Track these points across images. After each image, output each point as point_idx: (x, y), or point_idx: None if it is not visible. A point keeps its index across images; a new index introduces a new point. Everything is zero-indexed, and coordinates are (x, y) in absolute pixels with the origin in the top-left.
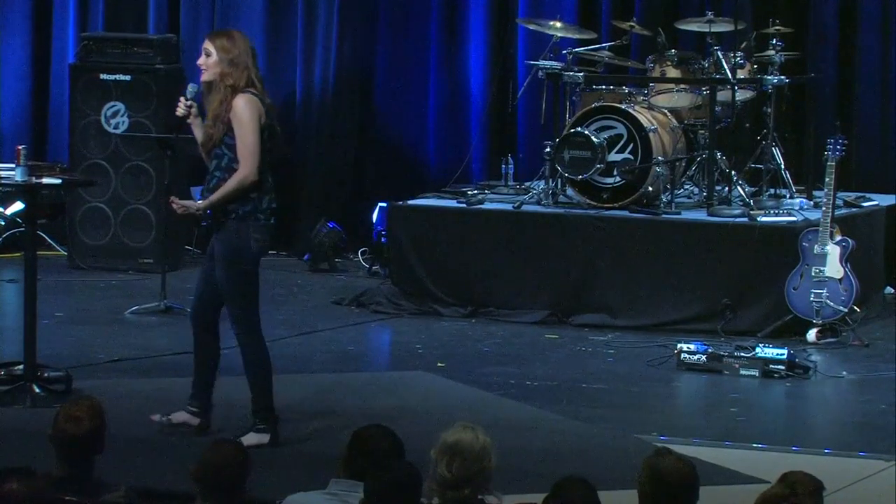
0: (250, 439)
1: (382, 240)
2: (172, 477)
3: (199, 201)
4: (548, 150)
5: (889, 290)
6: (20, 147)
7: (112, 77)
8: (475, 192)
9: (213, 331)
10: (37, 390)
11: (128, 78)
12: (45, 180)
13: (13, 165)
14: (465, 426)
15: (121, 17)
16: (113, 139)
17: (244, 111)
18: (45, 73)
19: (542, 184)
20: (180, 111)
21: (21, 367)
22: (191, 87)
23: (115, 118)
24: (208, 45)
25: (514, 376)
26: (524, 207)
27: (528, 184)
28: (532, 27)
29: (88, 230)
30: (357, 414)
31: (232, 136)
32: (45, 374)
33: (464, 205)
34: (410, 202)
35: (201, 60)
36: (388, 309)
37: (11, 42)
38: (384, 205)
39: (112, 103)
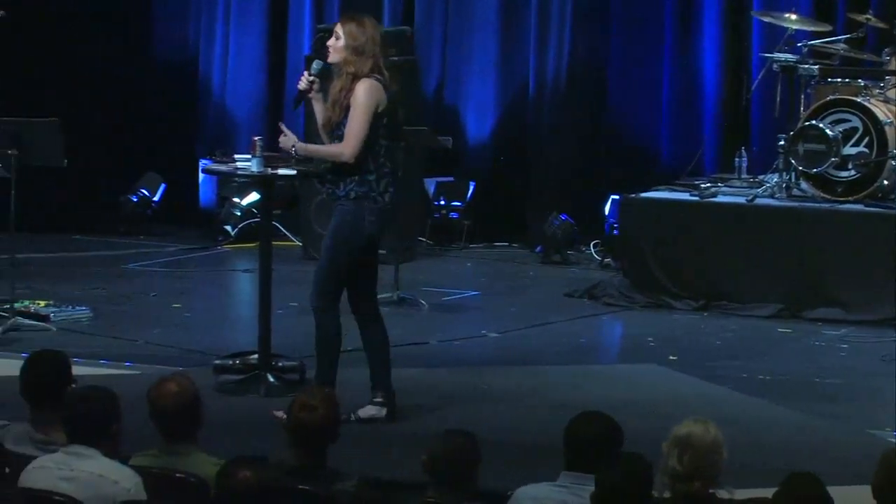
0: (367, 411)
1: (614, 232)
2: (405, 467)
3: (298, 142)
4: (782, 143)
5: None
6: (256, 138)
7: None
8: (708, 184)
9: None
10: (271, 380)
11: None
12: (281, 171)
13: (249, 156)
14: (696, 420)
15: (355, 10)
16: None
17: (362, 96)
18: (282, 65)
19: (775, 177)
20: (302, 85)
21: (256, 356)
22: (316, 64)
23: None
24: (339, 29)
25: (745, 370)
26: (757, 201)
27: (761, 177)
28: (767, 20)
29: (323, 221)
30: (588, 406)
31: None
32: (280, 364)
33: (697, 198)
34: (643, 195)
35: (331, 42)
36: (619, 301)
37: (249, 35)
38: (616, 197)
39: None
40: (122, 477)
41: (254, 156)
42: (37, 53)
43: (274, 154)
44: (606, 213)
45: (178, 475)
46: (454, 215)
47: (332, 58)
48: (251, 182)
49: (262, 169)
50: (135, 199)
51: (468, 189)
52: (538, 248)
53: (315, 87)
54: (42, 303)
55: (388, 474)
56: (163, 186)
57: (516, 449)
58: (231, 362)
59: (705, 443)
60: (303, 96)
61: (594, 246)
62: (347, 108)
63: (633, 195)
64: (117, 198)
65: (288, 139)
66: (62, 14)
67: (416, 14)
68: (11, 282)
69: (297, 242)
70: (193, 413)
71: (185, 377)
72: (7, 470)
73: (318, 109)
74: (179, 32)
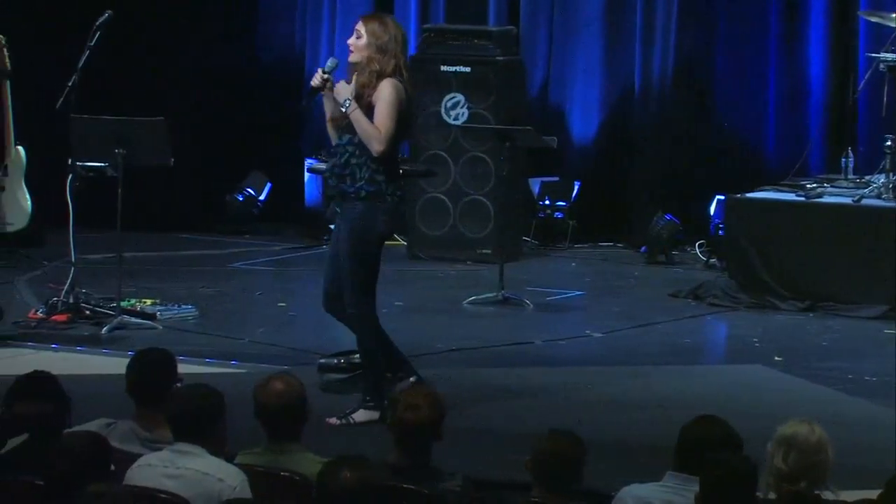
0: (359, 416)
1: (719, 232)
2: (509, 466)
3: (353, 101)
4: (889, 143)
5: None
6: None
7: (452, 69)
8: (814, 185)
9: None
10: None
11: (468, 69)
12: None
13: None
14: (801, 420)
15: (461, 9)
16: (453, 130)
17: (390, 94)
18: None
19: (882, 177)
20: (316, 82)
21: (358, 355)
22: (330, 61)
23: (455, 109)
24: (360, 28)
25: (851, 371)
26: (864, 201)
27: (868, 177)
28: (874, 20)
29: (428, 220)
30: (693, 407)
31: (371, 118)
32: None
33: (802, 198)
34: (748, 195)
35: (351, 41)
36: (724, 302)
37: (351, 33)
38: (721, 197)
39: (452, 94)
40: (227, 475)
41: None
42: (143, 53)
43: None
44: (712, 213)
45: (282, 473)
46: (559, 215)
47: (354, 56)
48: None
49: None
50: (240, 199)
51: (573, 189)
52: (643, 249)
53: (329, 84)
54: (148, 301)
55: (490, 474)
56: (268, 185)
57: (620, 449)
58: (336, 361)
59: (810, 443)
60: (315, 93)
61: (699, 246)
62: (369, 107)
63: (739, 195)
64: (223, 197)
65: (345, 90)
66: (168, 13)
67: (522, 14)
68: (118, 280)
69: (402, 242)
70: (299, 412)
71: (292, 376)
72: (113, 467)
73: (329, 106)
74: (285, 31)
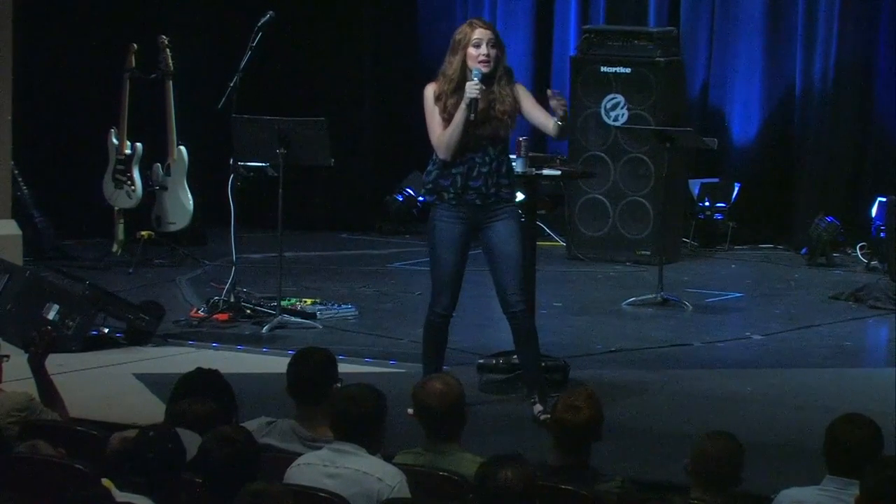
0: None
1: (881, 234)
2: (668, 467)
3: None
4: None
5: None
6: (522, 139)
7: (612, 70)
8: None
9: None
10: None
11: (628, 70)
12: (545, 171)
13: (514, 157)
14: None
15: (621, 10)
16: (612, 131)
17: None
18: (546, 65)
19: None
20: (477, 93)
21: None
22: (476, 72)
23: (615, 110)
24: (492, 36)
25: None
26: None
27: None
28: None
29: (587, 221)
30: (851, 410)
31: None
32: (543, 364)
33: None
34: None
35: (485, 51)
36: (886, 304)
37: (515, 33)
38: (883, 199)
39: (612, 95)
40: (386, 474)
41: (518, 156)
42: (304, 53)
43: (538, 154)
44: (873, 214)
45: (441, 473)
46: (719, 216)
47: (491, 66)
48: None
49: (525, 169)
50: (400, 199)
51: (733, 190)
52: (803, 250)
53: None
54: (309, 301)
55: (649, 475)
56: None
57: (779, 452)
58: (495, 361)
59: None
60: (477, 103)
61: (860, 248)
62: (513, 105)
63: None
64: (383, 197)
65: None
66: (329, 13)
67: (682, 15)
68: (278, 280)
69: (562, 243)
70: (458, 412)
71: (451, 376)
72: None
73: (461, 118)
74: (445, 30)
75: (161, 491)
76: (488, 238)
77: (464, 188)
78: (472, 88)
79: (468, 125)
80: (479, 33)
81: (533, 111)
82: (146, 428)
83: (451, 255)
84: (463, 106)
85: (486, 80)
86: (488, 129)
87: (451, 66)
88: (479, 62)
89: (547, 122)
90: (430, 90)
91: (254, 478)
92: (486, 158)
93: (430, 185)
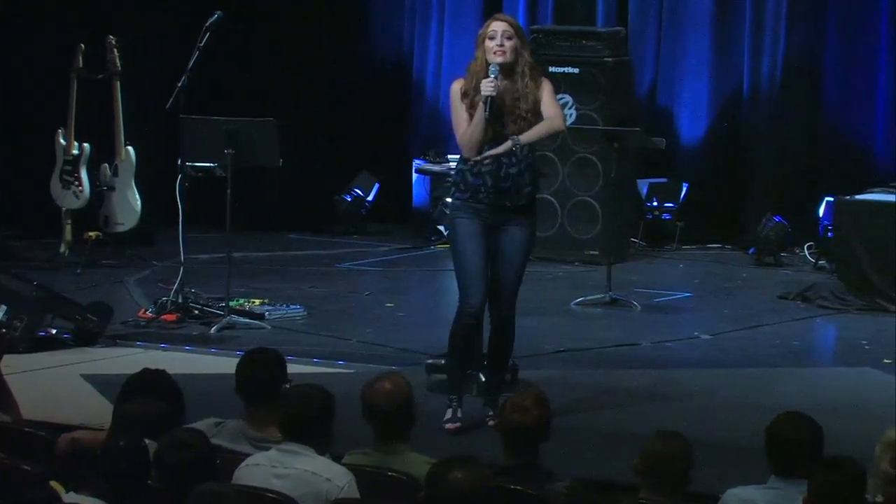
0: None
1: (829, 234)
2: (617, 467)
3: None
4: None
5: None
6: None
7: (560, 70)
8: None
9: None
10: (483, 379)
11: (576, 71)
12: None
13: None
14: None
15: (569, 10)
16: None
17: (553, 88)
18: None
19: None
20: (492, 90)
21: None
22: (493, 67)
23: (564, 110)
24: (506, 28)
25: None
26: None
27: None
28: None
29: (537, 222)
30: (800, 409)
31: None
32: None
33: None
34: (858, 196)
35: (496, 42)
36: (833, 304)
37: (463, 33)
38: (831, 199)
39: (560, 95)
40: (335, 474)
41: None
42: (252, 53)
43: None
44: (820, 214)
45: (390, 474)
46: (667, 216)
47: (507, 57)
48: None
49: None
50: (349, 199)
51: (681, 190)
52: (751, 250)
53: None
54: (257, 301)
55: (597, 475)
56: (376, 186)
57: (727, 451)
58: (443, 362)
59: None
60: (492, 101)
61: (808, 248)
62: (535, 103)
63: (848, 197)
64: (332, 197)
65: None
66: (277, 14)
67: (630, 14)
68: (227, 280)
69: None
70: (407, 412)
71: (400, 376)
72: (216, 466)
73: (479, 117)
74: (394, 32)
75: (124, 499)
76: (501, 240)
77: (496, 189)
78: (487, 85)
79: (493, 124)
80: (496, 25)
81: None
82: (111, 436)
83: (477, 246)
84: (480, 104)
85: (505, 73)
86: (514, 129)
87: (476, 61)
88: (494, 53)
89: (547, 113)
90: (456, 87)
91: (211, 480)
92: (514, 159)
93: (461, 184)
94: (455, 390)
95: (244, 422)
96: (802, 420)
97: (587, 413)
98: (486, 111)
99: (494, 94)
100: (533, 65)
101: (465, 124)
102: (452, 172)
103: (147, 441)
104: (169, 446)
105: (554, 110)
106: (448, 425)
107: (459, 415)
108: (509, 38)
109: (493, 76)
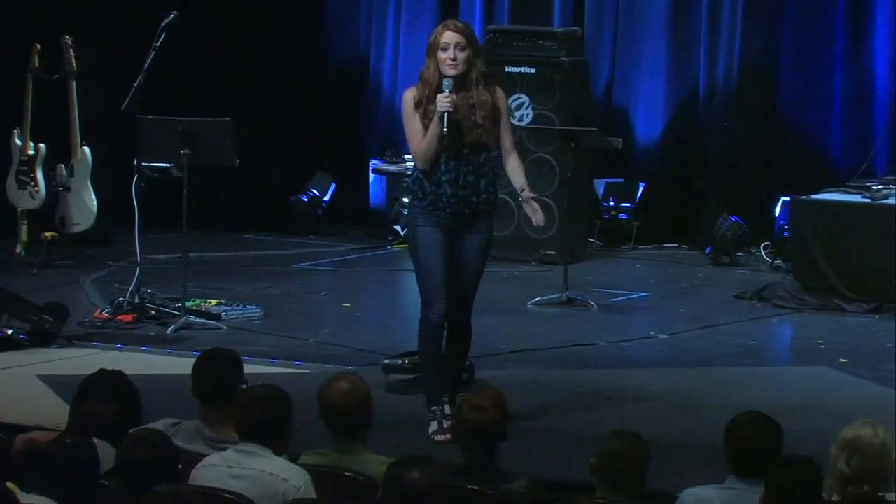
0: None
1: (785, 234)
2: (573, 467)
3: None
4: None
5: None
6: None
7: (517, 70)
8: (880, 186)
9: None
10: None
11: (532, 70)
12: None
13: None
14: (865, 422)
15: (526, 10)
16: (517, 131)
17: (505, 100)
18: None
19: None
20: (448, 106)
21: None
22: (447, 81)
23: (520, 110)
24: (459, 38)
25: None
26: None
27: None
28: None
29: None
30: (757, 408)
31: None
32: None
33: (868, 199)
34: (814, 196)
35: (448, 55)
36: (790, 303)
37: (419, 35)
38: (787, 199)
39: (517, 95)
40: (291, 475)
41: None
42: (208, 54)
43: None
44: (777, 214)
45: (347, 474)
46: (623, 216)
47: (459, 69)
48: None
49: None
50: (305, 199)
51: (638, 190)
52: (708, 250)
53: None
54: (213, 302)
55: (554, 475)
56: (333, 186)
57: (684, 451)
58: (401, 362)
59: (874, 446)
60: (449, 116)
61: (764, 248)
62: (493, 110)
63: (804, 197)
64: (288, 197)
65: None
66: (234, 14)
67: (587, 14)
68: (183, 281)
69: None
70: (364, 412)
71: (357, 377)
72: (179, 467)
73: (434, 132)
74: (351, 32)
75: (75, 499)
76: (462, 248)
77: (455, 197)
78: (444, 101)
79: (450, 134)
80: (447, 36)
81: (498, 127)
82: (62, 435)
83: (439, 254)
84: (436, 119)
85: (458, 84)
86: (472, 137)
87: (428, 69)
88: (447, 66)
89: (506, 146)
90: (409, 96)
91: (173, 479)
92: (470, 167)
93: (419, 192)
94: (436, 401)
95: (201, 422)
96: (762, 420)
97: (544, 413)
98: (443, 127)
99: (451, 109)
100: (486, 73)
101: (419, 135)
102: (409, 179)
103: (100, 441)
104: (132, 445)
105: (510, 140)
106: (437, 437)
107: (446, 425)
108: (462, 50)
109: (447, 90)
